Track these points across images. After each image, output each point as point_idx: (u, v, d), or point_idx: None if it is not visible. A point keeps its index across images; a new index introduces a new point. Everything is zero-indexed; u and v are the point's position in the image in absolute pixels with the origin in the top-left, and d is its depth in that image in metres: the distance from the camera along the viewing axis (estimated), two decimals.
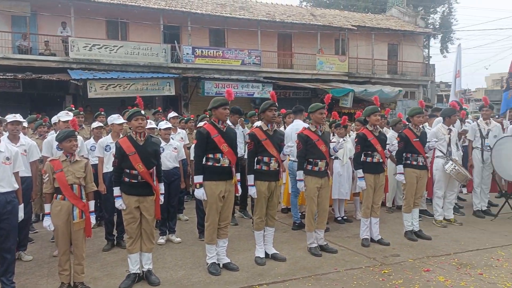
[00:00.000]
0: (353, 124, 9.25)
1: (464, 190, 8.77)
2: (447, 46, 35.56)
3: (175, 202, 6.13)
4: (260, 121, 5.28)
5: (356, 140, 5.78)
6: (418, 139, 5.89)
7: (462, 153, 7.13)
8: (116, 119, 5.81)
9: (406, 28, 25.63)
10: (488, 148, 7.02)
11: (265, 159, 4.98)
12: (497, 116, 9.79)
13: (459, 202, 7.92)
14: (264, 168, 4.99)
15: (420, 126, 6.02)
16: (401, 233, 6.12)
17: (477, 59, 68.46)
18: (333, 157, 5.98)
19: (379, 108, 5.77)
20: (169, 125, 6.24)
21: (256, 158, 5.00)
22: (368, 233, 5.75)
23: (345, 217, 7.04)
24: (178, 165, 6.17)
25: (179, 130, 7.82)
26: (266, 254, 5.16)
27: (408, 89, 24.54)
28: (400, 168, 5.94)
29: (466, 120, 8.04)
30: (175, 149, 6.13)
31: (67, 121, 5.64)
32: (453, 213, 6.87)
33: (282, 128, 6.94)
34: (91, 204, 4.35)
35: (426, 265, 4.94)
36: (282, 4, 25.51)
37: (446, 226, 6.54)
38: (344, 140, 5.97)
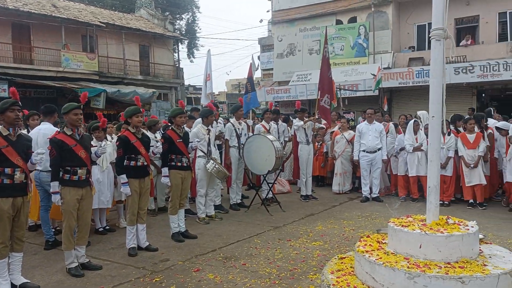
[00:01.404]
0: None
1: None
2: (193, 52, 38.15)
3: None
4: None
5: (117, 143, 5.35)
6: (181, 140, 5.89)
7: (219, 152, 7.56)
8: None
9: (156, 30, 26.15)
10: (242, 146, 7.67)
11: (7, 170, 4.05)
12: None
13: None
14: (7, 181, 4.05)
15: (182, 126, 6.05)
16: (168, 236, 6.02)
17: (220, 65, 76.51)
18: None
19: (141, 109, 5.49)
20: None
21: None
22: (135, 241, 5.41)
23: (107, 227, 6.49)
24: None
25: None
26: (14, 286, 4.21)
27: (161, 90, 25.10)
28: (165, 170, 5.82)
29: (218, 121, 8.58)
30: None
31: None
32: (214, 209, 7.21)
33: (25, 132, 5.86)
34: None
35: (196, 265, 4.96)
36: None
37: (209, 223, 6.81)
38: (105, 143, 5.45)
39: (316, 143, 10.15)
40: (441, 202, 7.58)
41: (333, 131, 9.93)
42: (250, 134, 8.06)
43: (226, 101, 38.64)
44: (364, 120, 11.45)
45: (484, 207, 7.46)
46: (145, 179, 5.43)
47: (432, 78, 3.87)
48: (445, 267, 3.37)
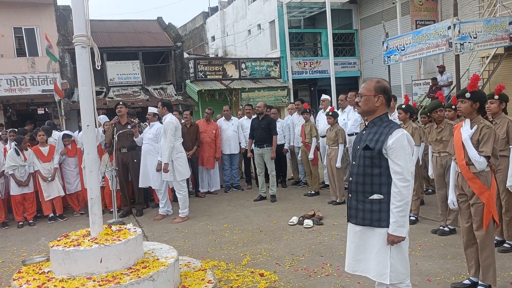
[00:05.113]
0: None
1: None
2: None
3: None
4: None
5: None
6: None
7: None
8: None
9: None
10: None
11: None
12: None
13: None
14: None
15: None
16: None
17: None
18: None
19: None
20: None
21: None
22: None
23: None
24: None
25: None
26: None
27: None
28: None
29: None
30: None
31: None
32: None
33: None
34: None
35: None
36: None
37: None
38: None
39: None
40: (21, 222, 7.10)
41: None
42: None
43: None
44: None
45: (65, 219, 7.47)
46: None
47: (82, 86, 3.71)
48: (131, 272, 3.40)
